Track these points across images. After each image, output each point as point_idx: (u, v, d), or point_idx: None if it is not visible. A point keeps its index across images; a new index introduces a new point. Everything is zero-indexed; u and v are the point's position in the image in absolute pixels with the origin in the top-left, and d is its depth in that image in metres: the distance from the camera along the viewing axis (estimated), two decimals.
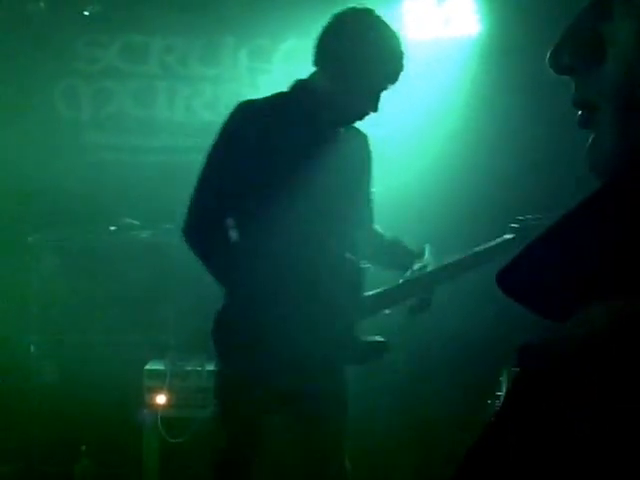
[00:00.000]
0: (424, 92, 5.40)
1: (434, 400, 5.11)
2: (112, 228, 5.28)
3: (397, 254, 3.49)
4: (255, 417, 3.27)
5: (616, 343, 0.76)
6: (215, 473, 3.44)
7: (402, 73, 3.25)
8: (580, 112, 0.91)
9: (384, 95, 3.24)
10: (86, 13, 5.94)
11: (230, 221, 3.26)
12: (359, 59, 3.17)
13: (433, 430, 5.08)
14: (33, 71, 5.86)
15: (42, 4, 5.91)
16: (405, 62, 3.25)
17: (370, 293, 3.37)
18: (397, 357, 5.30)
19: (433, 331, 5.24)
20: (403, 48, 3.24)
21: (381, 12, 3.26)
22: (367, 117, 3.30)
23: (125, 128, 6.03)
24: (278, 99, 3.30)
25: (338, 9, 3.25)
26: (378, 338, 3.35)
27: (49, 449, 5.10)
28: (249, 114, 3.24)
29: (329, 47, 3.23)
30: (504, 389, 3.94)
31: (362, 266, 3.38)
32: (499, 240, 3.31)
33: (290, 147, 3.19)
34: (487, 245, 3.34)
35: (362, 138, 3.45)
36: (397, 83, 3.26)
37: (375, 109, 3.26)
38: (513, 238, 3.25)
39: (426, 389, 5.19)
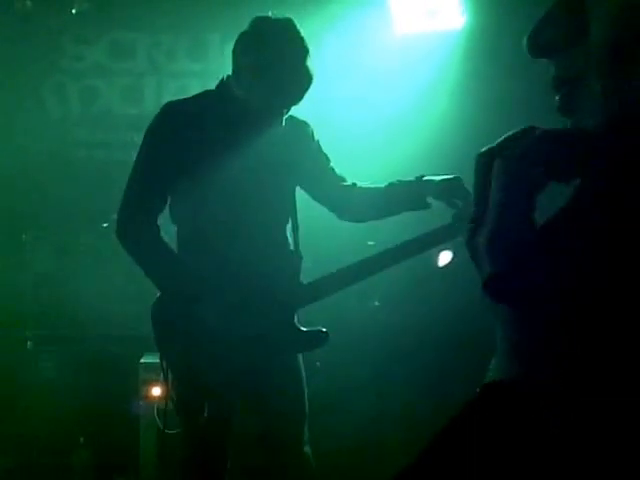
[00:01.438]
0: (409, 84, 5.44)
1: (423, 387, 5.16)
2: (104, 225, 5.32)
3: (406, 191, 3.42)
4: (207, 407, 3.24)
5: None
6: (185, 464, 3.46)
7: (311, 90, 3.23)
8: (560, 95, 0.95)
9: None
10: (73, 11, 5.95)
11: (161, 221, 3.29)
12: (257, 79, 3.18)
13: (421, 416, 5.14)
14: (21, 69, 5.86)
15: (29, 2, 5.91)
16: (310, 82, 3.22)
17: (308, 281, 3.37)
18: (388, 345, 5.37)
19: (423, 320, 5.31)
20: (309, 69, 3.20)
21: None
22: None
23: (114, 125, 6.05)
24: (204, 96, 3.35)
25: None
26: (319, 328, 3.35)
27: (47, 441, 5.13)
28: (174, 113, 3.27)
29: (233, 58, 3.27)
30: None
31: (300, 255, 3.41)
32: (440, 226, 3.31)
33: (218, 141, 3.23)
34: (429, 231, 3.34)
35: (299, 125, 3.47)
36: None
37: (280, 121, 3.30)
38: (454, 223, 3.26)
39: (416, 376, 5.24)
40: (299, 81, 3.20)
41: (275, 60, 3.15)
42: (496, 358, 0.98)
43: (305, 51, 3.19)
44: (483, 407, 0.92)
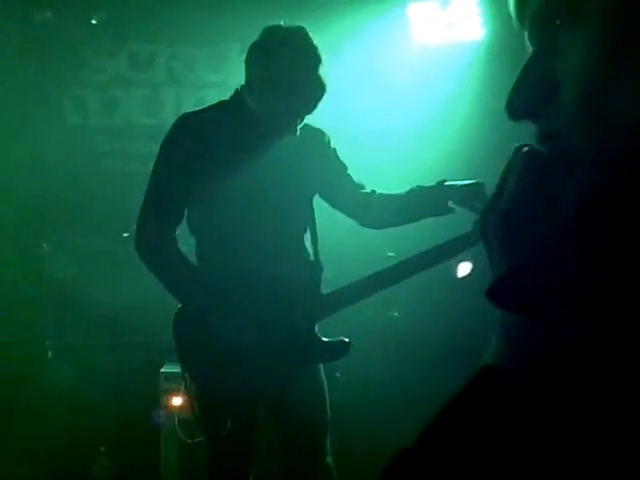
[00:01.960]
0: (428, 95, 5.45)
1: (443, 399, 5.16)
2: (125, 235, 5.34)
3: (428, 196, 3.39)
4: (230, 418, 3.25)
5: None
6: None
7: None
8: (546, 148, 0.98)
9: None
10: (93, 22, 5.98)
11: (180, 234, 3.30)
12: (269, 89, 3.15)
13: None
14: (41, 80, 5.89)
15: (49, 13, 5.95)
16: (323, 92, 3.18)
17: (328, 291, 3.37)
18: (407, 356, 5.36)
19: (443, 331, 5.31)
20: (321, 79, 3.15)
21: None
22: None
23: (133, 135, 6.08)
24: (219, 107, 3.35)
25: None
26: (341, 339, 3.34)
27: (68, 451, 5.15)
28: (189, 125, 3.26)
29: (246, 69, 3.25)
30: None
31: (320, 265, 3.41)
32: (459, 235, 3.30)
33: (233, 152, 3.22)
34: (448, 240, 3.33)
35: (314, 133, 3.44)
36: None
37: (294, 130, 3.26)
38: (471, 232, 3.23)
39: (435, 387, 5.23)
40: (311, 91, 3.17)
41: (286, 70, 3.12)
42: (490, 352, 0.99)
43: (317, 60, 3.15)
44: (476, 397, 0.94)
